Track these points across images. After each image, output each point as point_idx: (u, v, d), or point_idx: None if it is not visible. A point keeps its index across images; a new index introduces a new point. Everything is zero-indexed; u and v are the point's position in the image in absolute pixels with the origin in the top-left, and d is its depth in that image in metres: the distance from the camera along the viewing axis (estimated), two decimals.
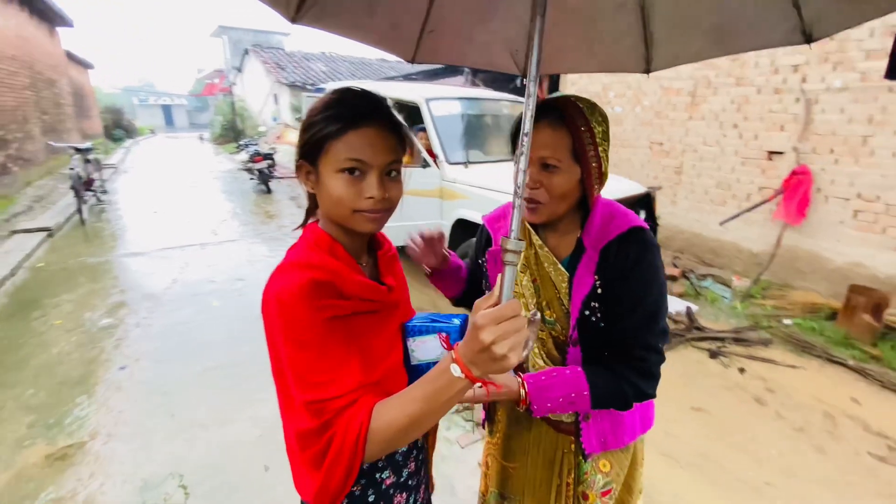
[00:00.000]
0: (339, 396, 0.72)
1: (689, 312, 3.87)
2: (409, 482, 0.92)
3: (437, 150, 4.18)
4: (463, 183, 3.94)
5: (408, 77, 10.86)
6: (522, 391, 0.91)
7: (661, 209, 5.01)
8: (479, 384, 0.66)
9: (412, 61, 1.31)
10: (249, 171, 10.06)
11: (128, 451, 2.39)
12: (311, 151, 0.79)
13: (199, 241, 6.11)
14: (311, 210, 0.90)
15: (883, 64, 3.56)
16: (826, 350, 3.46)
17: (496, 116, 4.88)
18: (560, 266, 1.01)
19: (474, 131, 4.60)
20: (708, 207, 4.91)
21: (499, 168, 4.11)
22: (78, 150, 7.70)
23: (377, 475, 0.87)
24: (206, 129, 26.79)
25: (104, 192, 8.84)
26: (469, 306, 1.32)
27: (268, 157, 9.71)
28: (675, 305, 3.94)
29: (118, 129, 21.97)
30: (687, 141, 5.04)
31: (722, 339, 3.59)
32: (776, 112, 4.25)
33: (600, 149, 0.94)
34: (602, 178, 0.97)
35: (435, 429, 1.01)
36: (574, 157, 0.94)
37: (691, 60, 1.11)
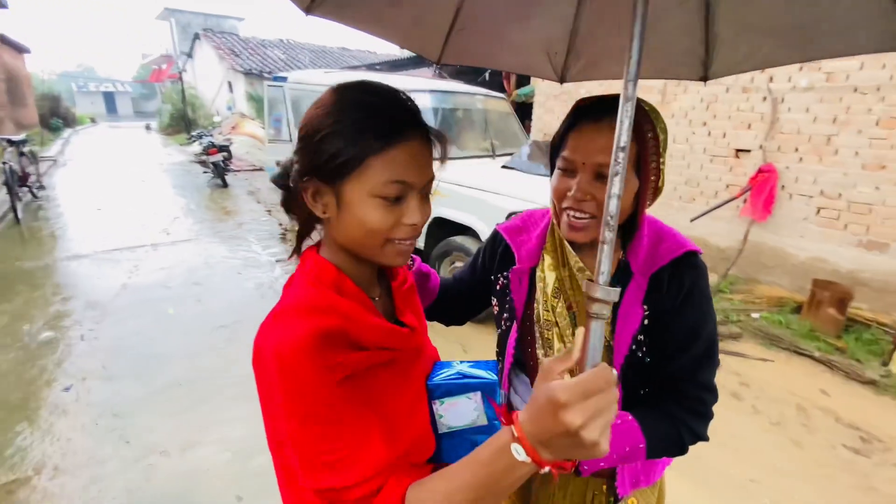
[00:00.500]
0: (359, 483, 0.56)
1: None
2: None
3: None
4: (439, 180, 3.79)
5: (371, 67, 10.54)
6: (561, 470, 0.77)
7: None
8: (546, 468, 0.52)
9: (438, 62, 1.15)
10: (203, 163, 9.52)
11: (78, 487, 2.13)
12: (332, 171, 0.60)
13: (149, 242, 5.68)
14: (305, 235, 0.72)
15: (848, 65, 3.68)
16: (793, 343, 3.57)
17: (469, 111, 4.75)
18: None
19: (448, 126, 4.45)
20: (677, 204, 4.99)
21: (474, 164, 3.99)
22: (11, 143, 7.08)
23: None
24: (154, 119, 25.29)
25: (41, 187, 8.13)
26: (441, 321, 1.16)
27: (223, 148, 9.20)
28: None
29: (56, 117, 20.31)
30: None
31: None
32: (744, 111, 4.33)
33: (661, 160, 0.82)
34: (657, 193, 0.85)
35: None
36: (636, 167, 0.81)
37: (758, 67, 0.99)
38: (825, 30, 0.82)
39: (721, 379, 0.85)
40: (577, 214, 0.83)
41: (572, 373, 0.52)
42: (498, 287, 1.04)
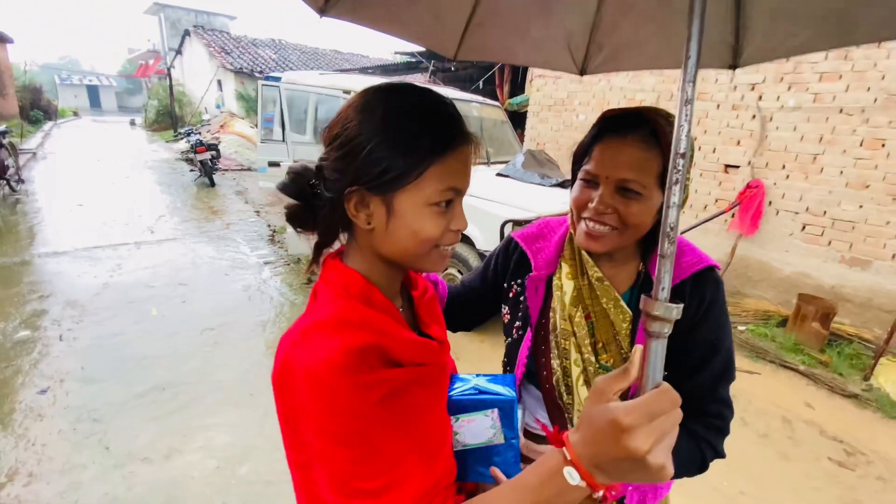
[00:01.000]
0: None
1: None
2: None
3: None
4: None
5: (364, 71, 10.51)
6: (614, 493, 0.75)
7: None
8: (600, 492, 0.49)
9: (454, 58, 1.14)
10: (190, 161, 9.37)
11: (54, 495, 2.03)
12: (385, 183, 0.57)
13: (133, 240, 5.54)
14: (325, 246, 0.68)
15: (835, 86, 3.78)
16: (779, 356, 3.62)
17: (464, 117, 4.72)
18: (623, 303, 0.86)
19: None
20: None
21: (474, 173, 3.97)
22: None
23: None
24: (139, 114, 24.83)
25: (19, 180, 7.90)
26: (452, 328, 1.11)
27: (212, 147, 9.06)
28: None
29: (36, 109, 19.79)
30: None
31: None
32: (734, 128, 4.42)
33: (688, 175, 0.82)
34: (680, 207, 0.85)
35: None
36: (660, 182, 0.80)
37: (792, 54, 0.96)
38: (867, 15, 0.80)
39: None
40: (597, 226, 0.83)
41: (625, 394, 0.49)
42: (511, 295, 1.02)
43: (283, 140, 4.98)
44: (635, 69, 1.18)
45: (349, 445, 0.53)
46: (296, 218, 0.65)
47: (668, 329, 0.52)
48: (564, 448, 0.49)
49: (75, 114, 27.63)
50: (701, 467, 0.82)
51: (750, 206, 4.28)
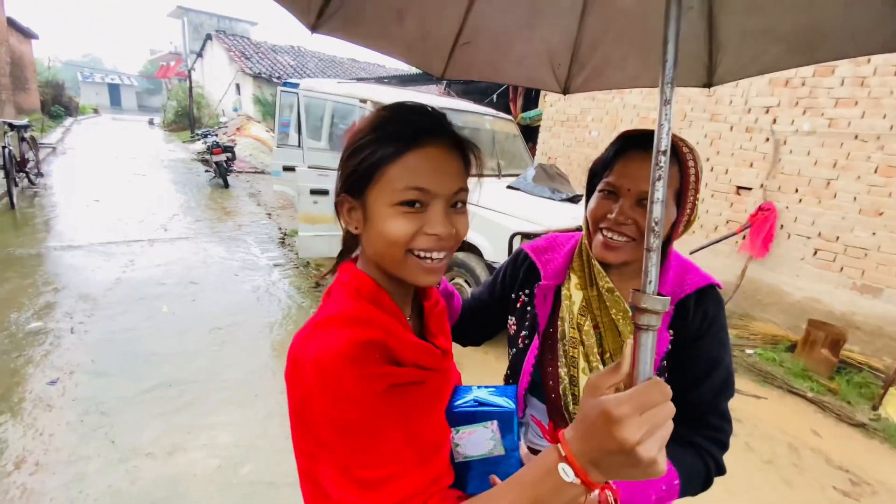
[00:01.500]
0: (402, 502, 0.55)
1: None
2: None
3: None
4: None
5: (380, 80, 10.65)
6: (610, 495, 0.73)
7: None
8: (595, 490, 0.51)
9: (442, 76, 1.17)
10: (206, 162, 9.52)
11: (59, 485, 2.06)
12: (356, 183, 0.62)
13: (146, 237, 5.62)
14: (346, 254, 0.72)
15: (850, 112, 3.78)
16: (786, 381, 3.58)
17: (477, 130, 4.80)
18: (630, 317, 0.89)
19: None
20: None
21: (485, 184, 4.01)
22: (13, 127, 7.01)
23: None
24: (158, 114, 25.29)
25: (39, 174, 8.06)
26: (458, 342, 1.15)
27: (228, 149, 9.20)
28: None
29: (58, 105, 20.25)
30: None
31: None
32: (746, 150, 4.42)
33: (698, 195, 0.86)
34: (688, 225, 0.89)
35: None
36: (676, 199, 0.84)
37: (764, 71, 1.00)
38: (832, 32, 0.82)
39: None
40: (615, 236, 0.86)
41: (619, 389, 0.50)
42: (518, 305, 1.04)
43: (299, 145, 5.05)
44: (616, 87, 1.21)
45: (352, 434, 0.55)
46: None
47: (655, 321, 0.53)
48: (559, 444, 0.49)
49: (95, 111, 28.19)
50: (706, 482, 0.83)
51: (761, 228, 4.26)
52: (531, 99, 7.81)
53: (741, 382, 3.56)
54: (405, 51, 1.12)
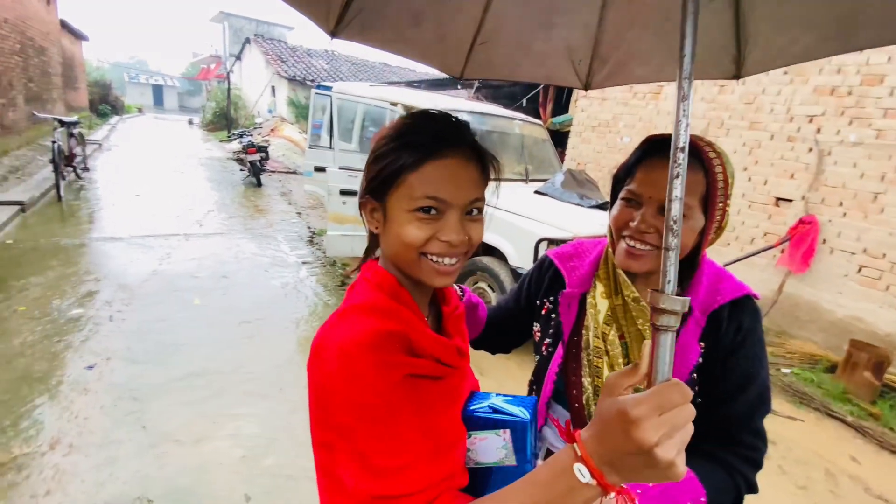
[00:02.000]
0: (415, 493, 0.55)
1: None
2: None
3: None
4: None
5: (410, 84, 10.75)
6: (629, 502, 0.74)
7: None
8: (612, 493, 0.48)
9: (460, 77, 1.18)
10: (241, 161, 9.80)
11: (91, 466, 2.14)
12: (378, 186, 0.65)
13: (182, 231, 5.82)
14: (370, 252, 0.75)
15: None
16: (825, 403, 3.41)
17: (506, 134, 4.78)
18: None
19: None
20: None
21: (507, 187, 3.99)
22: (63, 123, 7.37)
23: None
24: (197, 114, 26.22)
25: (85, 169, 8.46)
26: (488, 350, 1.16)
27: (262, 149, 9.46)
28: None
29: (105, 104, 21.27)
30: None
31: None
32: (788, 160, 4.25)
33: (728, 201, 0.83)
34: (719, 232, 0.85)
35: None
36: (703, 205, 0.81)
37: (794, 61, 0.97)
38: (871, 17, 0.79)
39: None
40: (638, 244, 0.83)
41: (637, 390, 0.49)
42: (543, 312, 1.03)
43: (331, 147, 5.14)
44: (640, 82, 1.18)
45: (369, 419, 0.55)
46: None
47: (674, 322, 0.52)
48: (575, 444, 0.48)
49: (139, 110, 29.47)
50: (735, 502, 0.79)
51: (802, 242, 4.08)
52: (561, 104, 7.74)
53: (776, 403, 3.41)
54: (423, 53, 1.13)
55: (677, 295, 0.85)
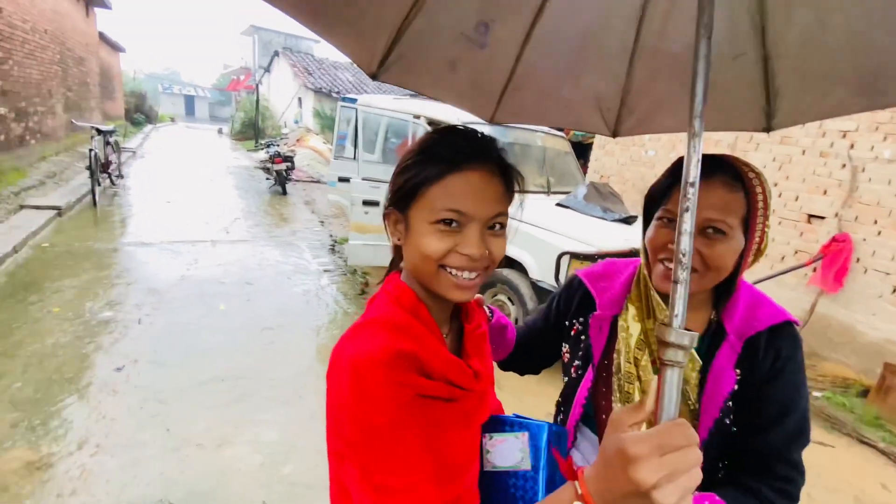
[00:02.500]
0: None
1: None
2: None
3: None
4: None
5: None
6: None
7: None
8: None
9: (491, 121, 1.19)
10: (267, 170, 10.01)
11: (116, 467, 2.19)
12: (402, 198, 0.65)
13: (210, 238, 5.97)
14: (395, 264, 0.76)
15: None
16: (856, 429, 3.27)
17: (527, 146, 4.77)
18: (693, 351, 0.83)
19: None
20: None
21: (528, 200, 3.97)
22: (100, 132, 7.67)
23: None
24: (226, 124, 26.98)
25: (119, 176, 8.78)
26: (516, 371, 1.14)
27: (288, 159, 9.66)
28: None
29: (139, 113, 22.13)
30: None
31: None
32: (820, 175, 4.13)
33: (767, 223, 0.81)
34: (758, 254, 0.84)
35: None
36: (744, 226, 0.79)
37: (826, 116, 0.96)
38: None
39: None
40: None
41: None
42: (572, 333, 1.01)
43: (355, 158, 5.23)
44: (666, 132, 1.19)
45: (374, 437, 0.56)
46: None
47: (682, 357, 0.51)
48: (577, 482, 0.48)
49: (172, 120, 30.53)
50: None
51: (835, 261, 3.95)
52: None
53: None
54: (457, 97, 1.17)
55: (715, 313, 0.85)
